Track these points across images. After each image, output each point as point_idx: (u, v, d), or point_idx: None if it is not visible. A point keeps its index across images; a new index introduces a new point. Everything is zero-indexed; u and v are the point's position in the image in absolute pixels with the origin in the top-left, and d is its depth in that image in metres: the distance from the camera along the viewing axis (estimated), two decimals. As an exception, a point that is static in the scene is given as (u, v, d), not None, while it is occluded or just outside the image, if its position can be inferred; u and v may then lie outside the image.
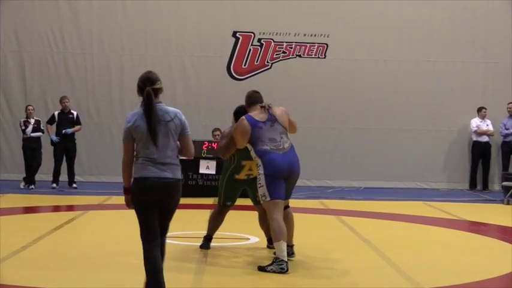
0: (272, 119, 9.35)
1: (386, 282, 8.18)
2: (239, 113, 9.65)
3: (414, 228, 12.85)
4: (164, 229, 6.97)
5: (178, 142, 6.96)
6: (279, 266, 8.72)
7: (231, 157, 9.81)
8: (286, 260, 8.77)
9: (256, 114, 9.30)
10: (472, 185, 19.94)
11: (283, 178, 9.08)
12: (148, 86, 6.99)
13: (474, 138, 19.75)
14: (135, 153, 6.95)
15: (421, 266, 9.18)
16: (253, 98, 9.73)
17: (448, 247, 10.94)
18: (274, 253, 8.91)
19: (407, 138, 20.02)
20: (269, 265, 8.79)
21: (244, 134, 9.10)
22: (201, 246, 9.97)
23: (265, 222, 9.79)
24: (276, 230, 8.87)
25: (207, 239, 10.07)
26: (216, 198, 10.33)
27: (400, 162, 19.95)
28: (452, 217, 14.30)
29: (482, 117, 19.59)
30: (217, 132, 17.23)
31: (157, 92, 7.09)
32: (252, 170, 9.75)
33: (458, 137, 20.23)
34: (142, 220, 6.85)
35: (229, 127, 9.89)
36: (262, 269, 8.79)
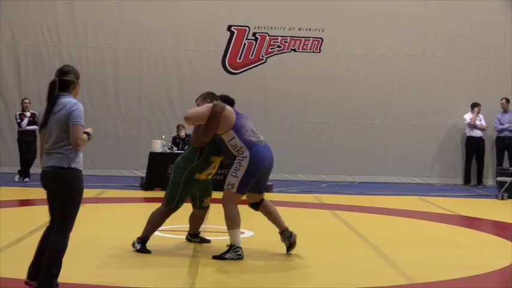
0: (243, 114, 9.27)
1: (380, 277, 8.16)
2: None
3: (409, 222, 12.87)
4: (57, 225, 6.80)
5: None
6: (236, 253, 8.84)
7: (199, 150, 9.19)
8: (241, 246, 8.89)
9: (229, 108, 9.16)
10: (467, 180, 19.98)
11: (259, 174, 9.07)
12: (55, 77, 6.93)
13: (468, 133, 19.79)
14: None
15: (415, 260, 9.17)
16: (214, 95, 9.42)
17: (442, 242, 10.94)
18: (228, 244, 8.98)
19: (402, 133, 20.07)
20: (225, 253, 8.86)
21: (230, 116, 8.96)
22: (140, 250, 9.14)
23: (196, 219, 9.74)
24: (232, 219, 8.93)
25: (144, 241, 9.24)
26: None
27: (395, 157, 20.01)
28: (446, 212, 14.33)
29: (476, 113, 19.61)
30: (182, 130, 17.65)
31: (67, 84, 6.98)
32: (214, 169, 9.43)
33: (452, 132, 20.29)
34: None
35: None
36: (219, 257, 8.82)
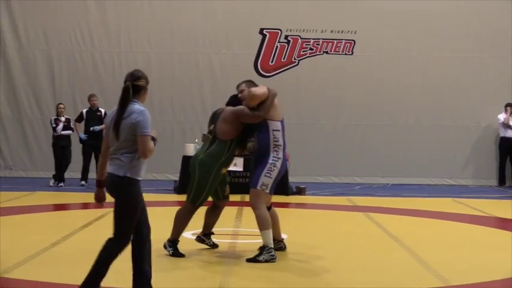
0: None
1: (415, 279, 8.15)
2: (237, 103, 9.34)
3: (443, 224, 12.82)
4: (114, 232, 6.74)
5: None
6: (269, 254, 8.83)
7: (229, 143, 9.17)
8: (273, 247, 8.90)
9: None
10: (501, 181, 19.86)
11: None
12: (128, 81, 6.80)
13: (501, 134, 19.69)
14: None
15: (449, 262, 9.13)
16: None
17: (477, 243, 10.89)
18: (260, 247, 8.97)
19: (435, 134, 19.98)
20: (259, 255, 8.84)
21: (279, 107, 9.07)
22: (174, 255, 9.10)
23: (214, 216, 9.62)
24: (265, 219, 8.94)
25: (174, 243, 9.21)
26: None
27: (428, 158, 19.91)
28: (481, 213, 14.24)
29: (510, 113, 19.50)
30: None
31: (138, 90, 6.84)
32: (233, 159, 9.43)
33: (485, 132, 20.17)
34: None
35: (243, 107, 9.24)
36: (253, 260, 8.80)
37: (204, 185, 9.11)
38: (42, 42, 20.12)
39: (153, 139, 6.68)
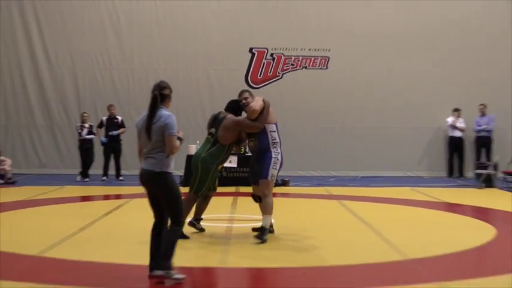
0: None
1: (380, 254, 8.19)
2: (235, 106, 9.40)
3: (403, 209, 12.87)
4: (169, 215, 6.73)
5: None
6: (266, 236, 8.93)
7: (227, 146, 9.21)
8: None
9: None
10: (450, 173, 19.93)
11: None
12: (156, 91, 6.89)
13: (450, 134, 19.76)
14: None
15: (409, 240, 9.19)
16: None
17: (431, 224, 10.94)
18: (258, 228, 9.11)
19: (397, 135, 20.00)
20: (262, 235, 8.89)
21: (273, 112, 9.19)
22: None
23: (205, 205, 9.54)
24: (271, 206, 9.05)
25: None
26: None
27: (391, 155, 19.94)
28: (434, 200, 14.31)
29: (456, 116, 19.59)
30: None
31: (164, 98, 6.93)
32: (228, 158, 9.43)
33: (437, 133, 20.21)
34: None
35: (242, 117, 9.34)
36: (261, 241, 8.84)
37: (205, 178, 9.12)
38: (69, 62, 20.10)
39: (179, 139, 6.77)
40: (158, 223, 6.84)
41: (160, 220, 6.81)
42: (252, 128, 9.10)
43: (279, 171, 9.19)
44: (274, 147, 9.11)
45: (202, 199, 9.55)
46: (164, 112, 6.78)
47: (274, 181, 9.14)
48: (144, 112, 6.88)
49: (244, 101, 9.38)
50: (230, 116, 9.37)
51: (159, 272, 6.56)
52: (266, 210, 9.05)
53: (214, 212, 10.74)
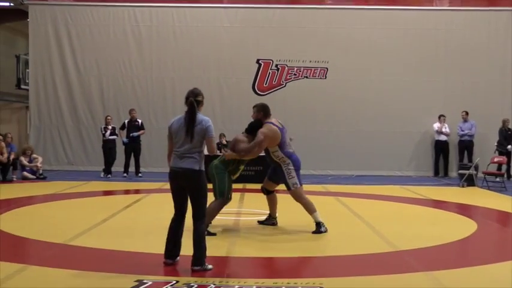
0: (283, 127, 9.24)
1: (372, 246, 8.17)
2: (254, 126, 9.09)
3: (393, 205, 12.83)
4: (194, 213, 6.67)
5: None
6: (324, 226, 9.06)
7: (231, 161, 8.96)
8: (275, 221, 9.31)
9: (276, 121, 9.14)
10: (436, 173, 19.87)
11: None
12: (191, 98, 6.86)
13: (436, 138, 19.71)
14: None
15: (398, 233, 9.15)
16: (268, 110, 9.23)
17: (418, 219, 10.91)
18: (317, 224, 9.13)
19: (388, 138, 19.96)
20: (319, 228, 9.01)
21: (277, 138, 8.95)
22: (208, 234, 8.66)
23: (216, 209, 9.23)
24: (311, 205, 9.16)
25: (207, 227, 8.65)
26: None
27: (383, 156, 19.90)
28: (421, 197, 14.25)
29: (441, 122, 19.54)
30: (223, 138, 17.75)
31: (198, 103, 6.89)
32: (240, 171, 9.21)
33: (424, 137, 20.15)
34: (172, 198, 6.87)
35: (240, 135, 9.20)
36: (317, 232, 8.97)
37: (222, 180, 8.89)
38: (95, 69, 20.13)
39: (224, 145, 6.87)
40: (179, 217, 6.81)
41: (182, 214, 6.81)
42: (243, 154, 8.88)
43: (298, 172, 9.17)
44: (282, 161, 9.09)
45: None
46: (203, 117, 6.80)
47: (298, 185, 9.08)
48: (177, 116, 6.90)
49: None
50: (237, 135, 9.25)
51: (196, 268, 6.52)
52: (309, 210, 9.18)
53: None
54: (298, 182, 9.09)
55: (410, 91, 20.00)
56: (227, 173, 8.97)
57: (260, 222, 9.44)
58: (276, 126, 9.00)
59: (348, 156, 19.91)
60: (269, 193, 9.48)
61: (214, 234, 8.82)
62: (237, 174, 9.19)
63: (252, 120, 9.20)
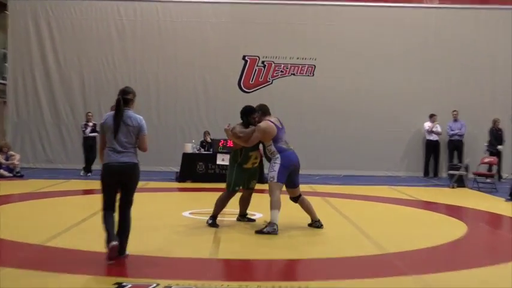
0: (283, 126, 9.57)
1: (360, 248, 8.12)
2: (247, 111, 9.61)
3: (382, 206, 12.79)
4: (128, 202, 7.12)
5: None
6: (272, 227, 8.96)
7: (239, 151, 9.54)
8: (277, 223, 8.99)
9: (275, 120, 9.51)
10: (426, 173, 19.90)
11: (290, 170, 9.27)
12: (120, 96, 7.22)
13: (427, 138, 19.73)
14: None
15: (387, 235, 9.12)
16: (267, 109, 9.71)
17: (408, 220, 10.90)
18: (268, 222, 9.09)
19: (377, 137, 19.96)
20: (264, 228, 9.01)
21: (272, 133, 9.28)
22: (211, 225, 9.41)
23: (244, 202, 9.94)
24: (276, 202, 9.09)
25: (215, 217, 9.51)
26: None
27: (371, 156, 19.91)
28: (410, 198, 14.23)
29: (433, 122, 19.56)
30: (208, 136, 17.79)
31: (127, 101, 7.23)
32: (257, 159, 9.68)
33: (415, 136, 20.17)
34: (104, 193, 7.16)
35: (237, 125, 9.58)
36: (259, 232, 8.97)
37: (230, 176, 9.56)
38: (77, 65, 20.00)
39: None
40: (111, 211, 7.06)
41: (113, 208, 7.08)
42: (240, 136, 9.41)
43: (284, 170, 9.13)
44: (274, 155, 9.28)
45: (241, 198, 9.93)
46: (136, 115, 7.21)
47: (276, 180, 9.09)
48: (110, 112, 7.29)
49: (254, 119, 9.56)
50: (235, 125, 9.65)
51: (123, 256, 7.00)
52: (270, 206, 9.14)
53: (206, 206, 10.61)
54: (276, 177, 9.09)
55: (399, 89, 20.00)
56: (237, 165, 9.50)
57: (309, 225, 9.66)
58: (273, 123, 9.36)
59: (336, 156, 19.89)
60: (297, 200, 9.63)
61: (217, 225, 9.32)
62: (249, 163, 9.57)
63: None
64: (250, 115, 9.53)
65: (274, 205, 9.08)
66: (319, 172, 19.72)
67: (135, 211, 9.78)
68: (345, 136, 19.94)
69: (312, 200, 13.51)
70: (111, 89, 19.92)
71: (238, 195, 9.84)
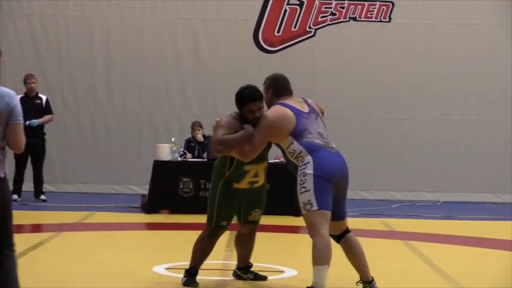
0: (315, 112, 9.43)
1: None
2: (243, 96, 9.39)
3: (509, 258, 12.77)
4: (7, 235, 7.01)
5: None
6: None
7: (227, 159, 9.49)
8: None
9: (295, 103, 9.36)
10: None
11: (333, 183, 9.09)
12: None
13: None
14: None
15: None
16: (284, 84, 9.57)
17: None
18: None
19: (499, 141, 19.92)
20: None
21: (286, 125, 9.12)
22: (186, 283, 9.59)
23: (242, 245, 10.04)
24: (322, 251, 8.94)
25: (192, 273, 9.65)
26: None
27: (491, 170, 19.84)
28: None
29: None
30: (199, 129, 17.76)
31: None
32: (259, 177, 9.62)
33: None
34: None
35: (228, 116, 9.52)
36: None
37: (212, 202, 9.62)
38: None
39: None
40: None
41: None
42: (220, 148, 9.32)
43: (325, 184, 9.10)
44: (301, 159, 9.13)
45: (236, 237, 10.14)
46: (5, 88, 7.07)
47: (316, 207, 9.03)
48: None
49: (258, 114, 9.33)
50: (221, 119, 9.58)
51: None
52: (312, 258, 9.03)
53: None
54: (315, 201, 9.02)
55: None
56: (224, 182, 9.51)
57: (357, 283, 9.53)
58: (290, 107, 9.24)
59: (429, 167, 19.89)
60: (341, 238, 9.48)
61: (195, 285, 9.56)
62: (244, 182, 9.55)
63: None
64: (247, 103, 9.32)
65: (317, 256, 9.05)
66: (400, 196, 19.77)
67: (70, 266, 9.81)
68: (444, 130, 19.95)
69: (387, 246, 13.60)
70: (24, 47, 20.22)
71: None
